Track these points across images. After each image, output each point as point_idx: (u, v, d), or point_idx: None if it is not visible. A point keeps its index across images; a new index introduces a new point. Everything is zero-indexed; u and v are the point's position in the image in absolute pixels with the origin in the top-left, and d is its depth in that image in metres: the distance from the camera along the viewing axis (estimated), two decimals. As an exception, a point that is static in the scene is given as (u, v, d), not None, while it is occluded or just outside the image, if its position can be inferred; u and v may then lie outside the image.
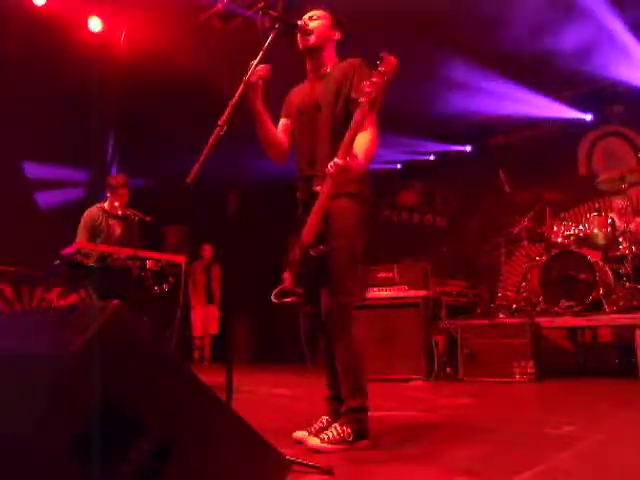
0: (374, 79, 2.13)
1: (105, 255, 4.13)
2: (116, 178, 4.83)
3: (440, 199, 8.70)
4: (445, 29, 5.70)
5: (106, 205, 4.73)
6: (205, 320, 8.01)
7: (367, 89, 2.13)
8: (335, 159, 2.14)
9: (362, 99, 2.15)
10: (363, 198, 2.41)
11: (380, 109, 2.33)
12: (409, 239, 8.38)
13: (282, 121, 2.65)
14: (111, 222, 4.68)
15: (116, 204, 4.66)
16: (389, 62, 2.15)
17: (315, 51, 2.49)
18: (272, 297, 2.35)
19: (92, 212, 4.66)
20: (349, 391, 2.32)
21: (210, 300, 8.10)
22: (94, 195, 5.00)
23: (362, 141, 2.26)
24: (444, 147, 8.48)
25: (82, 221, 4.61)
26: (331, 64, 2.53)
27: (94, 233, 4.57)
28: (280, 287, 2.35)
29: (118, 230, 4.69)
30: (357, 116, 2.16)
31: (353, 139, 2.16)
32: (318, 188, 2.26)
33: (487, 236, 7.15)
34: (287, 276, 2.35)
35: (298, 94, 2.62)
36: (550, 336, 5.98)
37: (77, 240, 4.50)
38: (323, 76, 2.51)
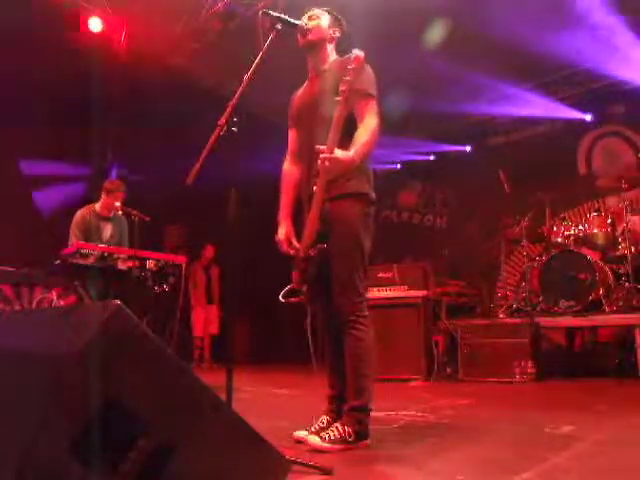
0: (347, 77, 2.18)
1: (105, 255, 4.13)
2: (113, 183, 4.84)
3: (440, 199, 8.71)
4: (445, 29, 5.70)
5: (97, 207, 4.73)
6: (205, 320, 8.00)
7: (342, 87, 2.18)
8: (323, 155, 2.17)
9: (338, 98, 2.19)
10: (366, 198, 2.42)
11: (376, 97, 2.39)
12: (409, 239, 8.39)
13: (290, 135, 2.69)
14: (101, 224, 4.69)
15: (117, 204, 4.65)
16: (357, 59, 2.20)
17: (314, 49, 2.52)
18: (280, 297, 2.37)
19: (82, 213, 4.68)
20: (354, 390, 2.32)
21: (210, 300, 8.10)
22: (94, 195, 4.99)
23: (360, 133, 2.30)
24: (444, 147, 8.48)
25: (74, 222, 4.62)
26: (330, 61, 2.55)
27: (86, 234, 4.57)
28: (288, 287, 2.37)
29: (107, 232, 4.71)
30: (336, 114, 2.19)
31: (336, 137, 2.19)
32: (315, 188, 2.27)
33: (487, 236, 7.16)
34: (295, 276, 2.36)
35: (299, 95, 2.66)
36: (550, 336, 5.98)
37: (71, 241, 4.50)
38: (322, 73, 2.53)
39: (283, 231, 2.53)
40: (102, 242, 4.57)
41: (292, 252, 2.44)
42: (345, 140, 2.26)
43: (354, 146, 2.24)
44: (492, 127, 8.04)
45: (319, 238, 2.29)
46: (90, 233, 4.60)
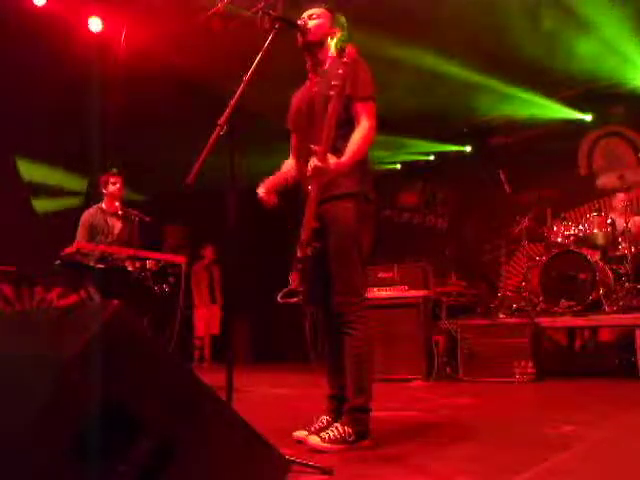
0: (339, 71, 2.20)
1: (105, 255, 4.13)
2: (104, 173, 4.83)
3: (440, 199, 8.70)
4: (446, 30, 5.69)
5: (103, 204, 4.73)
6: (208, 320, 8.01)
7: (334, 82, 2.20)
8: (313, 160, 2.18)
9: (331, 92, 2.20)
10: (363, 197, 2.41)
11: (374, 98, 2.40)
12: (409, 239, 8.39)
13: (292, 138, 2.70)
14: (110, 220, 4.68)
15: (118, 203, 4.64)
16: (350, 53, 2.24)
17: (314, 49, 2.50)
18: (278, 298, 2.37)
19: (90, 212, 4.68)
20: (353, 390, 2.32)
21: (213, 300, 8.12)
22: (94, 197, 4.99)
23: (354, 137, 2.32)
24: (444, 147, 8.48)
25: (81, 222, 4.62)
26: (329, 61, 2.54)
27: (93, 233, 4.56)
28: (287, 288, 2.37)
29: (117, 228, 4.69)
30: (329, 109, 2.21)
31: (330, 135, 2.21)
32: (309, 188, 2.27)
33: (487, 236, 7.16)
34: (293, 277, 2.36)
35: (298, 96, 2.66)
36: (550, 336, 5.97)
37: (77, 241, 4.49)
38: (320, 73, 2.52)
39: (264, 184, 2.55)
40: (113, 238, 4.57)
41: (272, 199, 2.48)
42: (340, 142, 2.27)
43: (344, 155, 2.27)
44: (492, 127, 8.04)
45: (315, 237, 2.29)
46: (98, 231, 4.59)
